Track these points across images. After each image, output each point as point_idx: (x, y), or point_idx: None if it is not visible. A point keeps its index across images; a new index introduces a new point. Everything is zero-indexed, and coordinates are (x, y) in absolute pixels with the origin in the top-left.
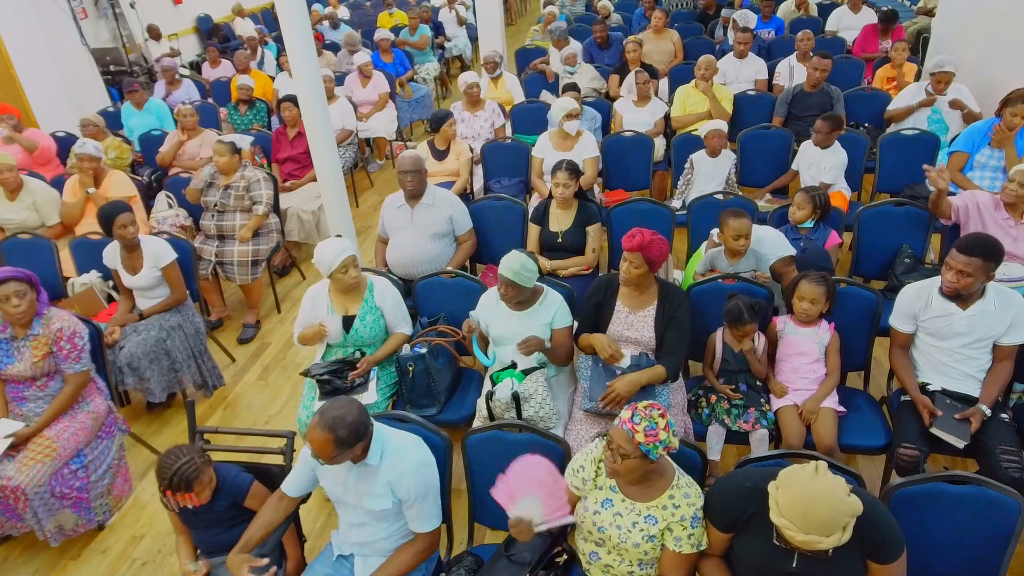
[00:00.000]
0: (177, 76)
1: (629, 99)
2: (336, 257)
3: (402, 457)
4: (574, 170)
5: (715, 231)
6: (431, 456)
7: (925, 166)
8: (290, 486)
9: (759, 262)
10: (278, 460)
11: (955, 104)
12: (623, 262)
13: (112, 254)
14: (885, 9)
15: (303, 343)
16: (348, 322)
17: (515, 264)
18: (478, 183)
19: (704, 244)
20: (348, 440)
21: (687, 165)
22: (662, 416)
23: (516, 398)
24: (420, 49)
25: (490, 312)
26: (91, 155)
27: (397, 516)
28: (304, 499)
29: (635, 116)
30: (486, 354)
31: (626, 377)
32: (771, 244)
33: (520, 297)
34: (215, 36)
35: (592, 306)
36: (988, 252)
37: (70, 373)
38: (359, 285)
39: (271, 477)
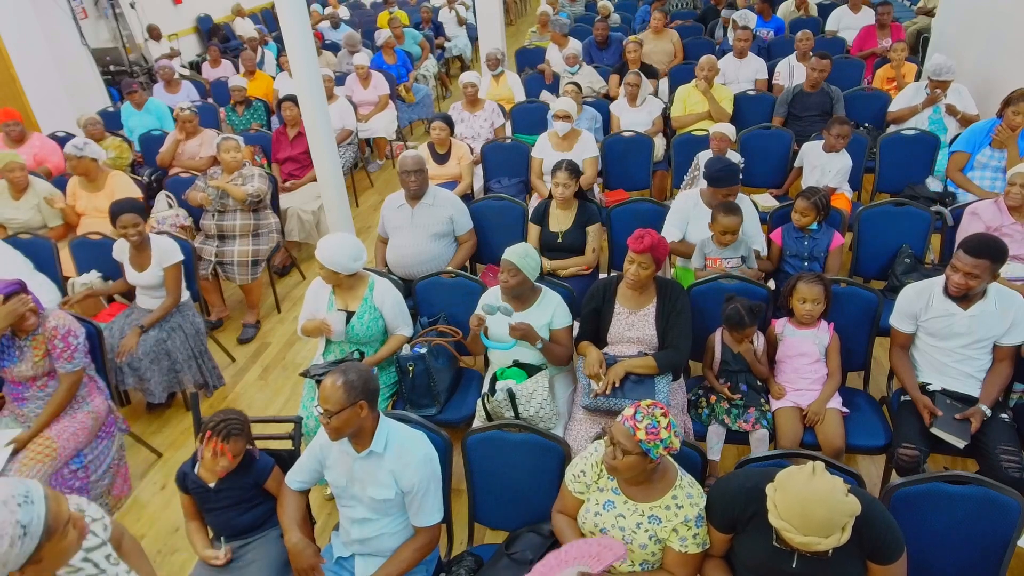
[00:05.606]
0: (176, 77)
1: (624, 100)
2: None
3: (408, 449)
4: (574, 170)
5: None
6: (435, 452)
7: None
8: (295, 481)
9: (748, 246)
10: (286, 445)
11: (950, 110)
12: (630, 264)
13: (121, 249)
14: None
15: (305, 334)
16: (347, 319)
17: (520, 249)
18: (478, 183)
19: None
20: (358, 385)
21: (692, 163)
22: (664, 415)
23: (511, 396)
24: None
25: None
26: (91, 155)
27: (399, 511)
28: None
29: (631, 117)
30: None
31: (618, 363)
32: (751, 230)
33: (521, 289)
34: (215, 36)
35: (591, 310)
36: (995, 253)
37: (62, 373)
38: (353, 284)
39: (283, 461)
